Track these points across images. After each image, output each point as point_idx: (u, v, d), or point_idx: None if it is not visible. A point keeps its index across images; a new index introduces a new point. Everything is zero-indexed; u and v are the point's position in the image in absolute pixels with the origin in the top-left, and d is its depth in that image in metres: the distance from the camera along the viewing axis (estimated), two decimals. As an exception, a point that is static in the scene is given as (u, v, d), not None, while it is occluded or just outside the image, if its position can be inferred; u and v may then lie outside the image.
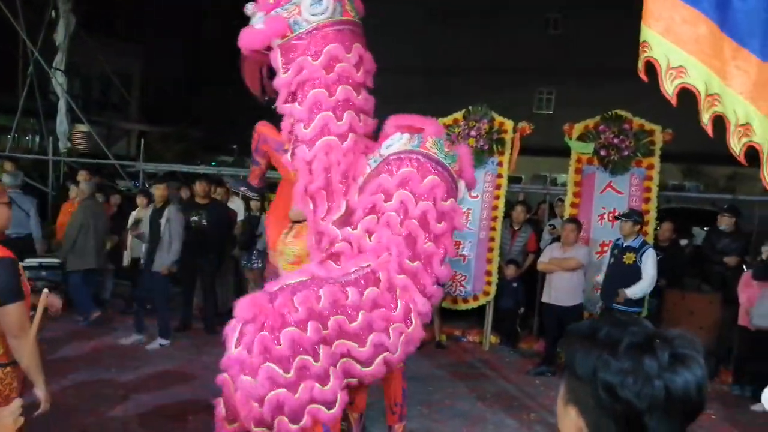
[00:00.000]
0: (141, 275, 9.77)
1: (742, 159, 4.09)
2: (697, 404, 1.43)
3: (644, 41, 4.11)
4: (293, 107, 5.31)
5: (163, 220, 9.29)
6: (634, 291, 8.27)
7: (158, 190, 9.57)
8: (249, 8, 5.48)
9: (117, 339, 9.38)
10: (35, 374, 3.86)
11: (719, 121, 4.06)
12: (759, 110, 4.01)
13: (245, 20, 5.64)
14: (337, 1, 5.32)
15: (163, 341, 9.40)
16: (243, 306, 4.38)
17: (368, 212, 5.01)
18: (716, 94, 4.04)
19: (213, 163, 24.85)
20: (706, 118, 4.06)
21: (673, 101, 4.10)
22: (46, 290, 3.76)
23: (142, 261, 9.74)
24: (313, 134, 5.25)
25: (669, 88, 4.06)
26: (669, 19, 4.07)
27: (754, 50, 4.01)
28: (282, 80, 5.35)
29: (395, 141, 5.11)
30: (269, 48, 5.38)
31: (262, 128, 6.09)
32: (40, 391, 3.87)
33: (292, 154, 5.38)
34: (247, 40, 5.40)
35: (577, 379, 1.49)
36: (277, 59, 5.38)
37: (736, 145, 4.06)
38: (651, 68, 4.10)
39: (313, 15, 5.22)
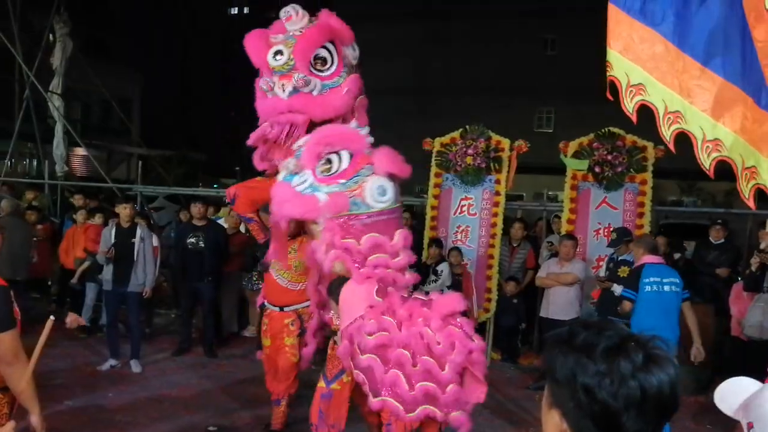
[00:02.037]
0: (107, 297, 9.45)
1: (711, 173, 4.21)
2: (671, 403, 1.50)
3: (608, 61, 4.30)
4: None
5: (136, 240, 9.10)
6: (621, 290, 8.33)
7: (125, 210, 9.25)
8: (291, 164, 5.17)
9: (96, 365, 9.12)
10: (30, 401, 3.80)
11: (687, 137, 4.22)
12: (726, 126, 4.15)
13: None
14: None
15: (135, 364, 9.16)
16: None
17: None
18: (678, 112, 4.19)
19: (215, 186, 24.83)
20: (667, 135, 4.21)
21: (633, 118, 4.30)
22: (52, 318, 3.76)
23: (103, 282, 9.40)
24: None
25: (629, 105, 4.24)
26: (628, 39, 4.26)
27: (715, 69, 4.15)
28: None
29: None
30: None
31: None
32: (34, 419, 3.81)
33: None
34: (298, 209, 5.07)
35: (557, 383, 1.55)
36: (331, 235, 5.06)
37: (705, 160, 4.18)
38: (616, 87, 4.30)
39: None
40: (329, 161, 5.00)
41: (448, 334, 4.61)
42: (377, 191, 4.92)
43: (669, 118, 4.19)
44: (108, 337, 9.36)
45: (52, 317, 3.72)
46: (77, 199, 12.48)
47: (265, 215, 6.31)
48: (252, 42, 5.67)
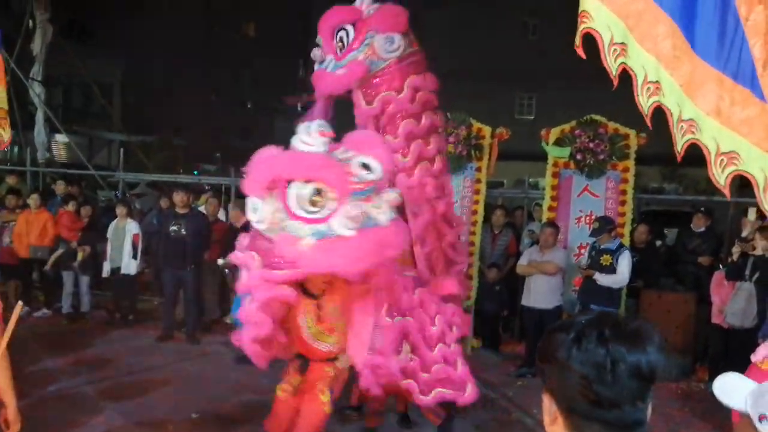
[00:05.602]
0: None
1: (680, 156, 3.79)
2: (646, 373, 1.49)
3: (583, 11, 3.77)
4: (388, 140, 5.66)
5: None
6: (604, 279, 8.53)
7: None
8: (316, 54, 5.83)
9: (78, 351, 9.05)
10: (6, 393, 3.70)
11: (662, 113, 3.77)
12: (698, 107, 3.72)
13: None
14: (405, 35, 5.89)
15: None
16: None
17: None
18: (657, 82, 3.72)
19: (195, 173, 24.72)
20: (645, 107, 3.75)
21: (615, 81, 3.76)
22: (20, 302, 3.76)
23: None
24: (411, 162, 5.77)
25: (612, 65, 3.72)
26: None
27: (690, 43, 3.72)
28: (367, 112, 5.81)
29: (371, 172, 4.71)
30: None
31: None
32: (10, 411, 3.70)
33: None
34: (331, 85, 5.76)
35: (545, 365, 1.59)
36: (358, 97, 5.81)
37: (678, 140, 3.75)
38: (590, 42, 3.76)
39: (388, 53, 5.66)
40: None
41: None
42: (385, 43, 5.64)
43: (648, 87, 3.73)
44: None
45: (20, 302, 3.73)
46: (58, 186, 12.40)
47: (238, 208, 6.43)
48: None
